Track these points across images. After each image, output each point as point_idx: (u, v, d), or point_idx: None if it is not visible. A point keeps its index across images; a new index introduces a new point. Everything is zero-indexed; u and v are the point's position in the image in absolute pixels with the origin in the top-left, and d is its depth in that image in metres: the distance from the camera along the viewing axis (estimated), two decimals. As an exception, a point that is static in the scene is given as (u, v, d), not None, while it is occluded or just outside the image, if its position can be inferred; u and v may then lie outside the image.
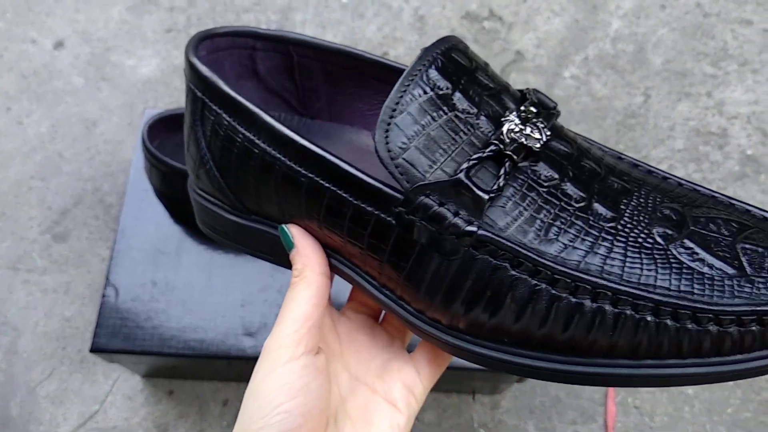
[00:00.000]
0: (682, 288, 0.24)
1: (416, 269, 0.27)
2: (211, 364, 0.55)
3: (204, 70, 0.31)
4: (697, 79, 0.79)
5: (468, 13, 0.84)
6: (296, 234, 0.30)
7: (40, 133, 0.75)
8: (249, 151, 0.30)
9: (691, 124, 0.77)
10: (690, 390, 0.63)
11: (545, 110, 0.29)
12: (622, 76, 0.79)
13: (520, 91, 0.30)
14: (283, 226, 0.31)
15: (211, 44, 0.34)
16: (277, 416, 0.26)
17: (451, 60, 0.28)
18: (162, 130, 0.56)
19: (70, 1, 0.85)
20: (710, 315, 0.24)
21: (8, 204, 0.71)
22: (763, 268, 0.24)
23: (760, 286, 0.24)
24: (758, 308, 0.23)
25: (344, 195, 0.28)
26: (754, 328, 0.23)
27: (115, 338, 0.51)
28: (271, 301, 0.54)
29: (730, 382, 0.63)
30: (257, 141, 0.30)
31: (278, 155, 0.29)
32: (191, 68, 0.31)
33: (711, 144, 0.75)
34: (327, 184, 0.28)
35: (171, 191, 0.55)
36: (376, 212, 0.27)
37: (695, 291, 0.24)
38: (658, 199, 0.27)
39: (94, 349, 0.51)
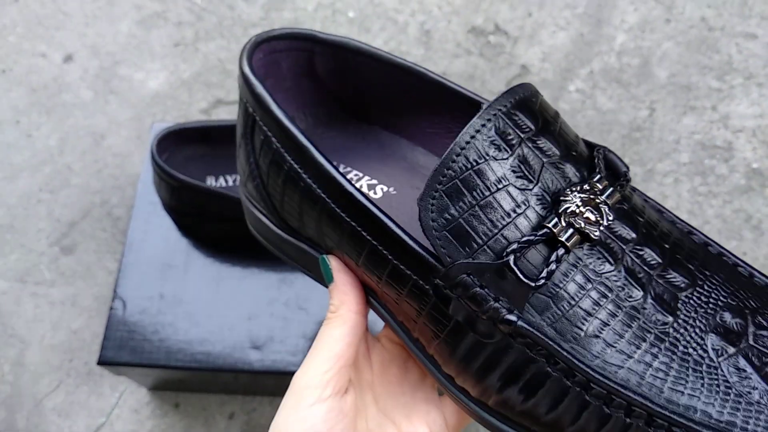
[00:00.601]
0: (726, 417, 0.22)
1: (450, 339, 0.26)
2: (217, 377, 0.55)
3: (257, 86, 0.29)
4: (702, 93, 0.79)
5: (474, 28, 0.85)
6: (336, 268, 0.30)
7: (48, 145, 0.76)
8: (295, 181, 0.29)
9: (696, 138, 0.77)
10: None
11: (614, 178, 0.26)
12: (627, 89, 0.80)
13: (589, 145, 0.28)
14: (325, 257, 0.30)
15: (268, 47, 0.33)
16: None
17: (514, 119, 0.25)
18: (171, 144, 0.56)
19: (79, 15, 0.85)
20: None
21: (17, 216, 0.72)
22: None
23: None
24: None
25: (384, 252, 0.27)
26: None
27: (122, 351, 0.52)
28: (278, 314, 0.54)
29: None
30: (303, 175, 0.28)
31: (322, 194, 0.28)
32: (245, 81, 0.30)
33: (716, 157, 0.75)
34: (368, 237, 0.27)
35: (179, 205, 0.55)
36: (415, 277, 0.26)
37: (739, 423, 0.22)
38: (721, 300, 0.24)
39: (102, 362, 0.51)
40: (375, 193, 0.35)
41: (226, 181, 0.59)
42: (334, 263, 0.30)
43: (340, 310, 0.29)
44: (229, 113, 0.78)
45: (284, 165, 0.29)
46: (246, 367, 0.52)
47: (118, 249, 0.69)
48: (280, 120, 0.28)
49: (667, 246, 0.25)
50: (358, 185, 0.34)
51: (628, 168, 0.27)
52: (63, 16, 0.85)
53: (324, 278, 0.30)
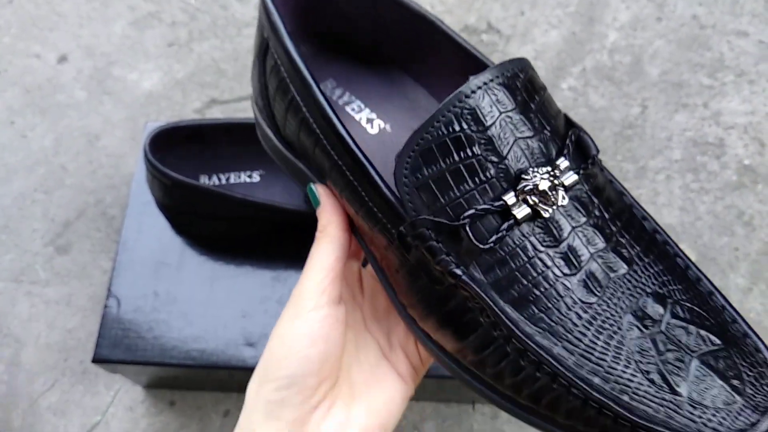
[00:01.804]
0: (619, 387, 0.24)
1: (407, 276, 0.29)
2: (212, 374, 0.55)
3: (273, 14, 0.32)
4: (693, 90, 0.80)
5: (466, 26, 0.85)
6: (322, 193, 0.32)
7: (43, 146, 0.76)
8: (296, 110, 0.32)
9: (688, 135, 0.77)
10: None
11: (582, 159, 0.28)
12: (619, 87, 0.80)
13: (569, 123, 0.29)
14: (311, 185, 0.33)
15: None
16: (297, 360, 0.29)
17: (497, 95, 0.27)
18: (164, 143, 0.56)
19: (73, 16, 0.86)
20: (627, 424, 0.24)
21: (12, 217, 0.72)
22: (704, 399, 0.24)
23: (692, 415, 0.24)
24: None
25: (362, 193, 0.29)
26: None
27: (116, 349, 0.52)
28: (271, 312, 0.54)
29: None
30: (303, 107, 0.31)
31: (317, 130, 0.31)
32: (264, 7, 0.32)
33: (708, 154, 0.76)
34: (351, 177, 0.30)
35: (172, 203, 0.55)
36: (384, 220, 0.29)
37: (629, 391, 0.24)
38: (650, 287, 0.27)
39: (96, 360, 0.52)
40: (372, 127, 0.37)
41: (220, 180, 0.59)
42: (320, 189, 0.32)
43: (327, 228, 0.32)
44: (222, 112, 0.79)
45: (288, 94, 0.32)
46: (240, 364, 0.52)
47: (113, 248, 0.69)
48: (290, 53, 0.31)
49: (614, 229, 0.28)
50: (357, 117, 0.37)
51: (598, 151, 0.29)
52: (57, 17, 0.86)
53: (312, 205, 0.33)
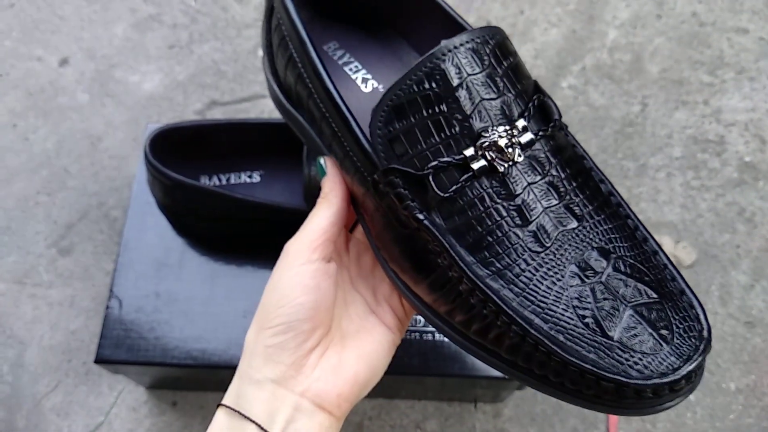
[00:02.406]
0: (556, 328, 0.27)
1: (381, 218, 0.32)
2: (213, 374, 0.55)
3: None
4: (694, 88, 0.80)
5: (466, 26, 0.85)
6: (329, 164, 0.35)
7: (46, 148, 0.76)
8: (294, 66, 0.35)
9: (688, 132, 0.77)
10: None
11: (544, 122, 0.31)
12: (619, 85, 0.80)
13: (538, 90, 0.32)
14: (320, 158, 0.36)
15: None
16: (291, 308, 0.32)
17: (466, 59, 0.29)
18: (165, 144, 0.56)
19: (74, 19, 0.86)
20: (558, 360, 0.26)
21: (15, 219, 0.72)
22: (633, 344, 0.26)
23: (620, 357, 0.26)
24: (599, 371, 0.26)
25: (344, 144, 0.33)
26: (591, 387, 0.26)
27: (119, 349, 0.52)
28: (272, 311, 0.54)
29: (732, 388, 0.63)
30: (299, 64, 0.34)
31: (309, 85, 0.34)
32: None
33: (709, 151, 0.76)
34: (335, 128, 0.33)
35: (173, 204, 0.55)
36: (362, 169, 0.32)
37: (564, 334, 0.27)
38: (596, 242, 0.29)
39: (99, 360, 0.52)
40: (366, 86, 0.40)
41: (220, 180, 0.59)
42: (328, 162, 0.35)
43: (329, 195, 0.35)
44: (223, 114, 0.79)
45: (288, 51, 0.35)
46: (241, 364, 0.52)
47: (115, 250, 0.70)
48: (291, 16, 0.34)
49: (569, 187, 0.30)
50: (354, 76, 0.40)
51: (560, 115, 0.31)
52: (58, 20, 0.86)
53: (319, 175, 0.36)
